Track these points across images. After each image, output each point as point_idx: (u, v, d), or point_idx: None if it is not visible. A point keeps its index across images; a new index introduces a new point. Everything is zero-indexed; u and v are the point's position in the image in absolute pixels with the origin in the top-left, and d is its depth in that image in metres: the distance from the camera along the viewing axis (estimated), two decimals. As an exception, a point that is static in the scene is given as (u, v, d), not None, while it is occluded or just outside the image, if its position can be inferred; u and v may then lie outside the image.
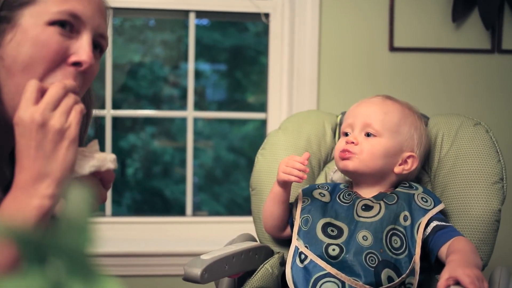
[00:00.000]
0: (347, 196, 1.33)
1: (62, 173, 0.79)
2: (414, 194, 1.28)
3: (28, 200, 0.77)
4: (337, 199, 1.33)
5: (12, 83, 0.86)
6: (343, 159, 1.30)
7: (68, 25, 0.88)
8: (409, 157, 1.32)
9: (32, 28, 0.86)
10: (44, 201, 0.77)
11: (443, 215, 1.28)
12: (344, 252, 1.21)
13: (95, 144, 0.89)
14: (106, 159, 0.87)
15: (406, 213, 1.24)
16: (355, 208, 1.28)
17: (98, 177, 0.89)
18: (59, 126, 0.79)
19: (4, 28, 0.86)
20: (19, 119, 0.79)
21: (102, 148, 0.95)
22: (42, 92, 0.81)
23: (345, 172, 1.34)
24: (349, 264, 1.20)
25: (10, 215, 0.76)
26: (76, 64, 0.89)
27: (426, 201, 1.27)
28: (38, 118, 0.78)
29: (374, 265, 1.19)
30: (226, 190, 2.61)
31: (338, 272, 1.19)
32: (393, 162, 1.31)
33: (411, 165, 1.32)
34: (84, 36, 0.90)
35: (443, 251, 1.19)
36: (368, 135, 1.31)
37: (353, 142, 1.30)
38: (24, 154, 0.78)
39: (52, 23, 0.87)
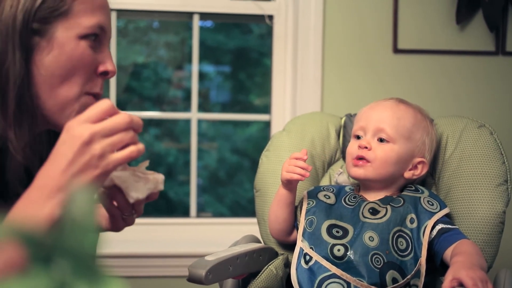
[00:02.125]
0: (352, 198, 1.32)
1: None
2: (420, 197, 1.28)
3: (41, 206, 0.77)
4: (342, 201, 1.32)
5: (52, 94, 0.90)
6: (356, 165, 1.30)
7: (95, 37, 0.93)
8: (419, 162, 1.32)
9: (68, 43, 0.90)
10: (56, 210, 0.77)
11: (448, 218, 1.28)
12: (349, 251, 1.21)
13: (146, 163, 0.88)
14: (158, 181, 0.87)
15: (413, 215, 1.24)
16: (361, 210, 1.28)
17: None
18: (100, 152, 0.77)
19: (38, 41, 0.89)
20: (71, 127, 0.78)
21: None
22: (109, 115, 0.79)
23: (355, 178, 1.34)
24: (354, 265, 1.20)
25: (21, 212, 0.77)
26: (103, 73, 0.95)
27: (432, 204, 1.27)
28: (86, 135, 0.77)
29: (380, 266, 1.19)
30: (230, 192, 2.61)
31: (343, 273, 1.19)
32: (403, 167, 1.31)
33: (421, 171, 1.32)
34: (105, 46, 0.96)
35: (448, 253, 1.19)
36: (381, 140, 1.30)
37: (366, 147, 1.29)
38: (57, 163, 0.78)
39: (84, 36, 0.91)
